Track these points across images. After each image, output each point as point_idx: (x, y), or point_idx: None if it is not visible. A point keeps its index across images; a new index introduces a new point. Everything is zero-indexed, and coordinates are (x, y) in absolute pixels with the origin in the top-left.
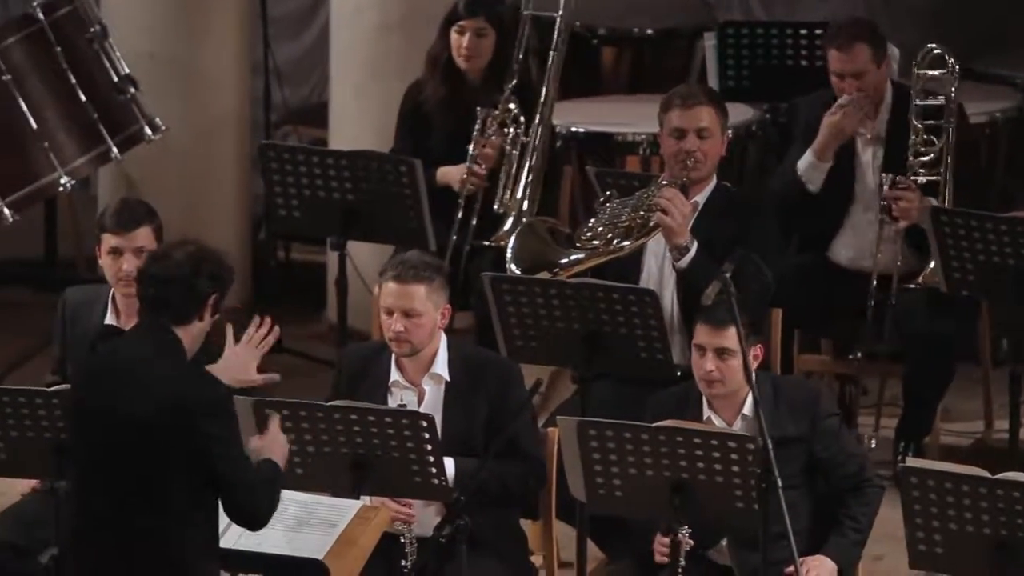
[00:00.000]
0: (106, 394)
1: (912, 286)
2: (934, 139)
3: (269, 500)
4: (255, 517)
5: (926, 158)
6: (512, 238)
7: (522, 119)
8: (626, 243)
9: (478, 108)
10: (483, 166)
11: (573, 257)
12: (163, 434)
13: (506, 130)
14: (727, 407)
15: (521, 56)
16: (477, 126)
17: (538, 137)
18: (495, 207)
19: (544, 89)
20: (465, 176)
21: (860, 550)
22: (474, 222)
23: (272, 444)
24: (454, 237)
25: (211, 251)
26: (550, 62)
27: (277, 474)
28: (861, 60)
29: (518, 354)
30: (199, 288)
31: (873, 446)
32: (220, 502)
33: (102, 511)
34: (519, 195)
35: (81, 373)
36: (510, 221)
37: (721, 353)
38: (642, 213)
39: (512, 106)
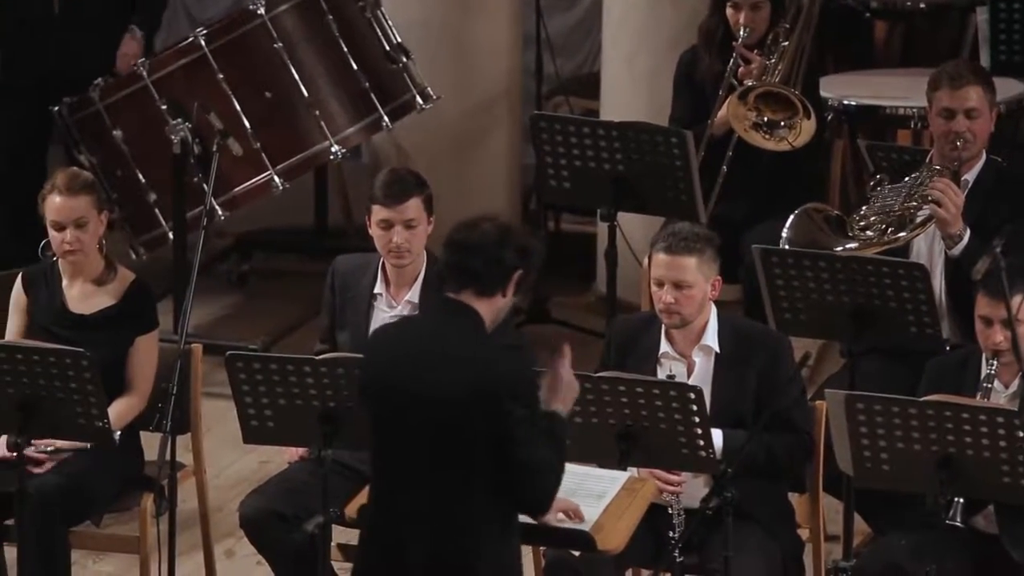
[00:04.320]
0: (408, 373)
1: None
2: None
3: (556, 481)
4: (542, 503)
5: None
6: (787, 224)
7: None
8: (901, 234)
9: (733, 43)
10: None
11: (848, 246)
12: (470, 415)
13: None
14: (1008, 371)
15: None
16: (733, 61)
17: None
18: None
19: None
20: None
21: None
22: (724, 169)
23: (561, 389)
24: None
25: (521, 227)
26: None
27: (561, 450)
28: None
29: (787, 327)
30: (505, 260)
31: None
32: (510, 485)
33: (399, 491)
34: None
35: (379, 350)
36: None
37: (1007, 323)
38: (914, 203)
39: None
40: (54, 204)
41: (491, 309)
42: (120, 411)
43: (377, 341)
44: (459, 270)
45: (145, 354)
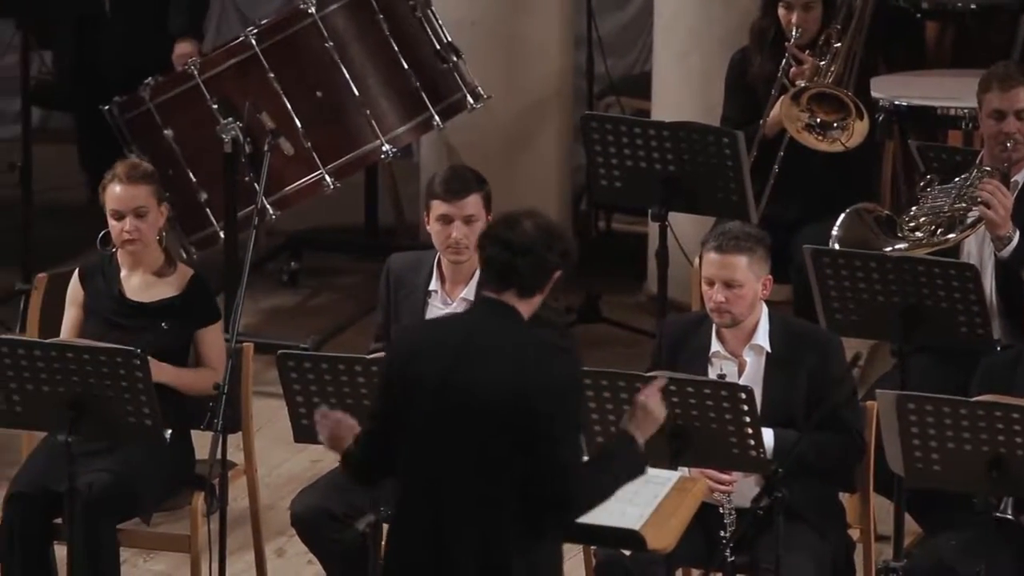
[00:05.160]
0: (449, 372)
1: None
2: None
3: (590, 491)
4: (571, 505)
5: None
6: (837, 224)
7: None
8: (950, 235)
9: (786, 43)
10: (796, 86)
11: (898, 247)
12: (516, 415)
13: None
14: None
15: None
16: (785, 61)
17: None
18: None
19: None
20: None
21: None
22: (775, 170)
23: (646, 417)
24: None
25: (561, 226)
26: None
27: (623, 473)
28: None
29: (837, 327)
30: (549, 262)
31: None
32: (533, 480)
33: (437, 489)
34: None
35: (418, 348)
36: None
37: None
38: (964, 204)
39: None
40: (114, 193)
41: (529, 308)
42: (204, 376)
43: (416, 338)
44: (505, 270)
45: (214, 342)
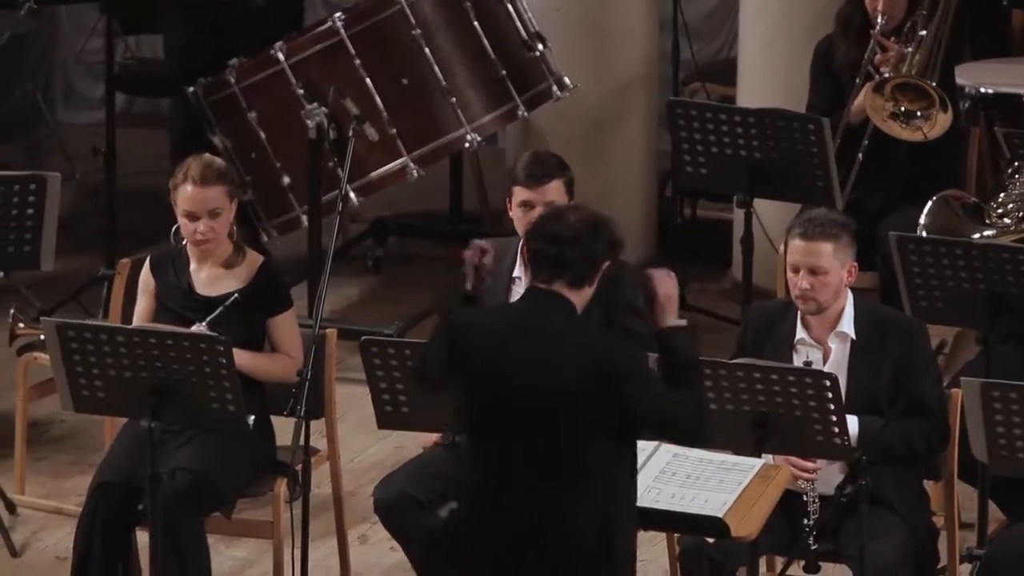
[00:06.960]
0: (514, 363)
1: None
2: None
3: (699, 412)
4: (696, 438)
5: None
6: (925, 211)
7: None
8: None
9: (871, 31)
10: (881, 73)
11: (985, 234)
12: (584, 402)
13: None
14: None
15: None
16: (870, 49)
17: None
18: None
19: None
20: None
21: None
22: (860, 157)
23: (668, 302)
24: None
25: (606, 217)
26: None
27: (696, 371)
28: None
29: (923, 314)
30: (596, 252)
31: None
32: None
33: (510, 482)
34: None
35: (478, 339)
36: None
37: None
38: None
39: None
40: (187, 194)
41: (581, 300)
42: (278, 362)
43: (475, 330)
44: (554, 262)
45: (286, 329)
